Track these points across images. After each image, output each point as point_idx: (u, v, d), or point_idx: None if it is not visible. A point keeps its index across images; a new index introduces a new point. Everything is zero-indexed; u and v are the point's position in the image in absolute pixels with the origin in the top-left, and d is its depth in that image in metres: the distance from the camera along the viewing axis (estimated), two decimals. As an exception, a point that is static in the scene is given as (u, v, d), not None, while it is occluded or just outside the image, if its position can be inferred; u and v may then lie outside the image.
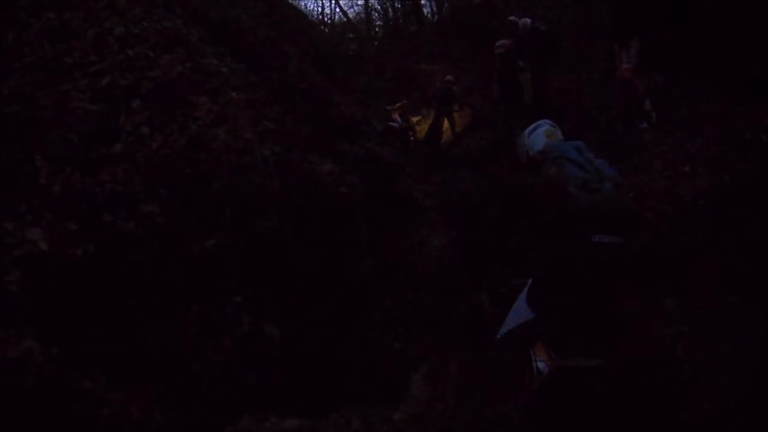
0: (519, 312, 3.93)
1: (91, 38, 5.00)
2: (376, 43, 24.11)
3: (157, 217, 3.63)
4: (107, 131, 4.14)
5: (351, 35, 25.31)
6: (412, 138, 13.59)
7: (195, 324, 3.26)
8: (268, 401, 3.52)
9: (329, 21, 28.15)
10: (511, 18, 11.75)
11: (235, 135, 4.96)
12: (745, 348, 4.09)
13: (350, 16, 28.05)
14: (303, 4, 27.26)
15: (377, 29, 27.88)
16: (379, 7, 28.69)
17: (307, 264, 4.35)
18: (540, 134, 4.48)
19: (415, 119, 14.47)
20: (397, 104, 14.17)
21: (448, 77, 13.64)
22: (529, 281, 4.04)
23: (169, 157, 4.23)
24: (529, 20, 11.17)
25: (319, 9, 31.27)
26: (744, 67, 8.07)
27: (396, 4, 28.10)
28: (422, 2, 27.25)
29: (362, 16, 27.56)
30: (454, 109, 13.40)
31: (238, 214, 4.15)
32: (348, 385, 3.93)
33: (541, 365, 3.63)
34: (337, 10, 29.28)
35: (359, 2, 29.29)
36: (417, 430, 3.95)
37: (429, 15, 27.05)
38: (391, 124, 13.08)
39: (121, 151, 4.01)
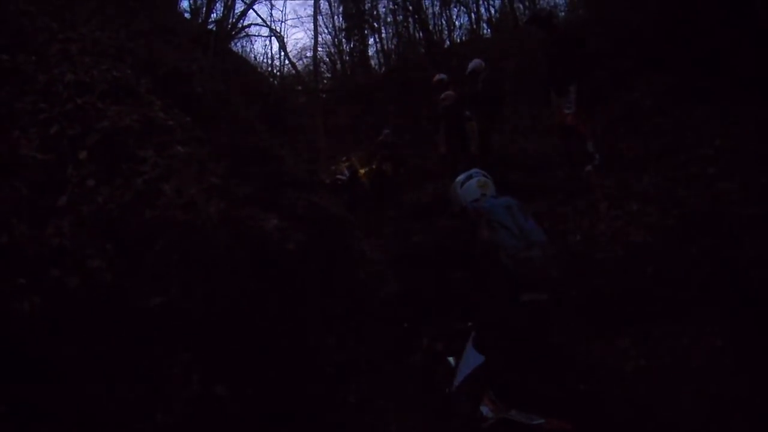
0: (470, 358, 4.07)
1: (42, 84, 4.96)
2: (324, 96, 24.27)
3: (104, 273, 3.59)
4: (54, 182, 4.09)
5: (299, 87, 25.41)
6: (360, 190, 13.69)
7: (143, 383, 3.22)
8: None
9: (278, 73, 28.22)
10: (439, 76, 12.08)
11: (181, 190, 4.94)
12: (705, 376, 4.21)
13: (299, 68, 28.16)
14: (252, 56, 27.33)
15: (325, 81, 28.05)
16: (327, 60, 28.93)
17: (256, 321, 4.34)
18: (472, 185, 4.70)
19: (362, 171, 14.60)
20: (345, 157, 14.35)
21: (386, 130, 14.04)
22: (473, 328, 4.20)
23: (115, 211, 4.20)
24: (481, 61, 11.46)
25: (269, 61, 31.26)
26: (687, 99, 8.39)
27: (344, 57, 28.40)
28: (370, 55, 27.60)
29: (311, 68, 27.67)
30: (397, 156, 13.78)
31: (185, 272, 4.13)
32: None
33: (485, 410, 3.75)
34: (286, 61, 29.34)
35: (308, 54, 29.43)
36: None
37: (377, 67, 27.37)
38: (339, 177, 13.21)
39: (67, 204, 3.96)
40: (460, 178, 4.85)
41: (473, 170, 4.94)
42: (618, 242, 6.39)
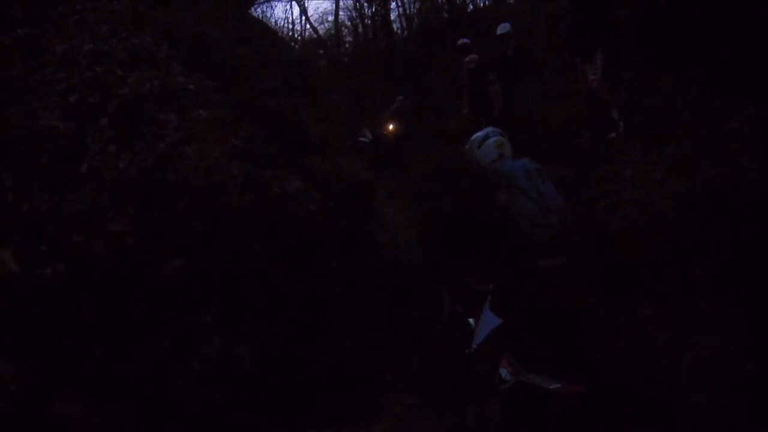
0: (487, 321, 4.06)
1: (60, 55, 4.97)
2: (345, 59, 24.12)
3: (126, 236, 3.62)
4: (75, 150, 4.11)
5: (321, 51, 25.27)
6: (383, 152, 13.69)
7: (166, 344, 3.25)
8: (242, 421, 3.53)
9: (299, 37, 28.06)
10: (462, 41, 11.93)
11: (203, 153, 4.95)
12: (722, 348, 4.16)
13: (320, 32, 27.98)
14: (273, 20, 27.17)
15: (347, 45, 27.87)
16: (349, 24, 28.73)
17: (277, 283, 4.36)
18: (490, 145, 4.61)
19: (385, 133, 14.60)
20: (367, 119, 14.36)
21: (400, 97, 14.13)
22: (491, 290, 4.19)
23: (137, 176, 4.22)
24: (508, 24, 11.31)
25: (290, 25, 31.03)
26: (714, 69, 8.17)
27: (366, 21, 28.15)
28: (392, 18, 27.32)
29: (332, 32, 27.50)
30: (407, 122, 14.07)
31: (207, 234, 4.15)
32: (322, 402, 3.94)
33: (503, 372, 3.75)
34: (308, 26, 29.14)
35: (329, 18, 29.17)
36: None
37: (398, 31, 27.11)
38: (361, 139, 13.19)
39: (89, 171, 3.99)
40: (477, 136, 4.77)
41: (489, 129, 4.87)
42: (640, 210, 6.30)
